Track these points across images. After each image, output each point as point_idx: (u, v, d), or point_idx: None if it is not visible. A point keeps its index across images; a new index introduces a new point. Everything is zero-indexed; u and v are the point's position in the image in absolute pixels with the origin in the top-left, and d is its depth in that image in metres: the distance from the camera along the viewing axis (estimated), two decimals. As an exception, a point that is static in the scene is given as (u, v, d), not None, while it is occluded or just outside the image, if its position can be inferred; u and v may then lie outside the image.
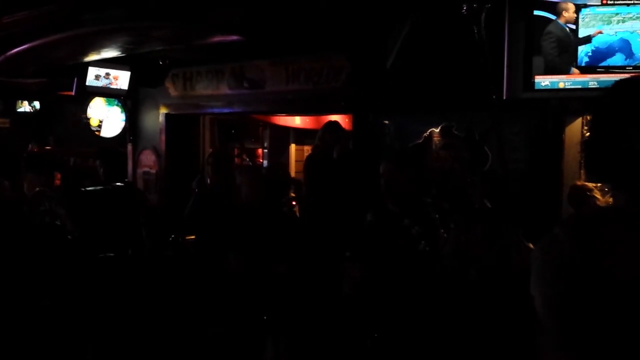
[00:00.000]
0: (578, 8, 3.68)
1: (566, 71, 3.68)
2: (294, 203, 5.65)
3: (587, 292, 1.05)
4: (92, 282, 4.10)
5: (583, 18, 3.65)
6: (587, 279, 1.05)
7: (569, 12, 3.69)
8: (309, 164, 5.30)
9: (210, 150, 7.44)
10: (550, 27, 3.67)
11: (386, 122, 5.12)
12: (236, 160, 8.36)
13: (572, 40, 3.69)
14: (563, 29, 3.69)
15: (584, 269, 1.05)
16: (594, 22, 3.64)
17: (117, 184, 4.82)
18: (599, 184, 3.67)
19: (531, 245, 2.56)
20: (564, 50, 3.67)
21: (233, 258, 3.96)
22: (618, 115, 1.14)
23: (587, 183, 3.78)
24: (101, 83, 6.45)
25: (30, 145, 8.11)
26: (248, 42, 4.90)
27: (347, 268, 3.12)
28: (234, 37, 4.78)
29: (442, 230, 3.06)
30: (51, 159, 6.13)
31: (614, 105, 1.17)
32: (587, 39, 3.67)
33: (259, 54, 5.79)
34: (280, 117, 8.05)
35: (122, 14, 4.41)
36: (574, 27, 3.69)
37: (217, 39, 4.92)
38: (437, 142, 4.89)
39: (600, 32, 3.65)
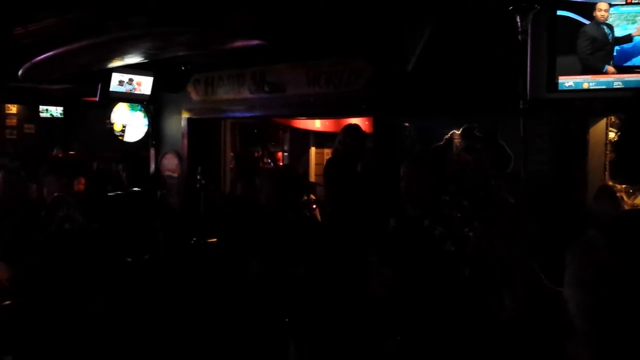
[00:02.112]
0: (603, 7, 3.64)
1: (599, 70, 3.64)
2: (314, 206, 5.66)
3: (625, 299, 1.02)
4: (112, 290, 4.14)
5: (608, 17, 3.61)
6: (626, 285, 1.03)
7: (601, 11, 3.64)
8: (329, 167, 5.30)
9: (232, 154, 7.51)
10: (586, 26, 3.62)
11: (406, 124, 5.11)
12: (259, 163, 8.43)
13: (607, 39, 3.64)
14: (595, 28, 3.64)
15: (622, 275, 1.03)
16: (618, 22, 3.60)
17: (135, 188, 4.88)
18: (624, 186, 3.62)
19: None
20: (596, 49, 3.62)
21: (254, 262, 3.97)
22: None
23: (615, 184, 3.72)
24: (124, 89, 6.54)
25: (55, 150, 8.24)
26: (269, 47, 4.92)
27: (375, 272, 3.11)
28: (255, 42, 4.82)
29: (467, 229, 3.04)
30: (73, 163, 6.23)
31: None
32: (628, 38, 3.62)
33: (280, 58, 5.82)
34: (300, 121, 8.07)
35: (145, 21, 4.47)
36: (603, 25, 3.65)
37: (238, 43, 4.95)
38: (459, 144, 4.87)
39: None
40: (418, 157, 4.81)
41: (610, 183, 3.85)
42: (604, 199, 3.74)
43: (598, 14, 3.63)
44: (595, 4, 3.63)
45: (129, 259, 4.45)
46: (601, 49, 3.65)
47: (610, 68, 3.64)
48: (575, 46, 3.67)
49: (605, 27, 3.64)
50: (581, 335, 1.09)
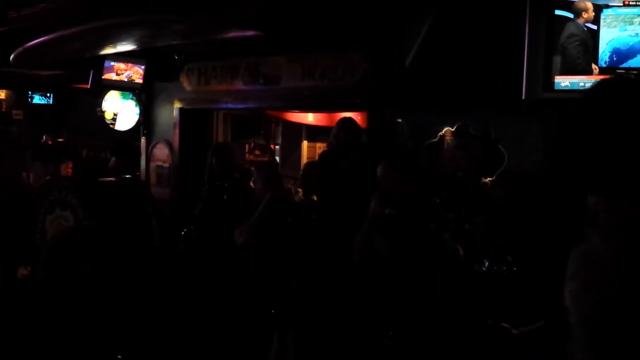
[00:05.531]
0: (599, 9, 3.65)
1: (589, 72, 3.66)
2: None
3: (633, 316, 0.97)
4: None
5: (605, 19, 3.62)
6: (634, 302, 0.97)
7: (588, 12, 3.67)
8: (322, 162, 5.28)
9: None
10: (573, 28, 3.65)
11: (399, 120, 5.09)
12: (249, 156, 8.40)
13: (592, 40, 3.67)
14: (584, 30, 3.67)
15: (630, 290, 0.98)
16: (615, 23, 3.62)
17: (126, 176, 4.85)
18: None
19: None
20: (586, 51, 3.65)
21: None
22: (623, 122, 1.02)
23: None
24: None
25: (44, 137, 8.15)
26: (264, 38, 4.89)
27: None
28: (251, 32, 4.79)
29: (467, 225, 3.05)
30: (61, 150, 6.17)
31: (612, 112, 1.04)
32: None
33: (275, 50, 5.79)
34: (293, 114, 8.04)
35: (140, 7, 4.42)
36: (593, 26, 3.67)
37: (234, 33, 4.92)
38: (452, 141, 4.87)
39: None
40: (396, 157, 4.78)
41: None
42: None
43: (585, 15, 3.66)
44: (582, 3, 3.66)
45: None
46: (588, 51, 3.68)
47: (595, 68, 3.67)
48: (567, 47, 3.70)
49: (591, 27, 3.67)
50: (579, 343, 1.06)
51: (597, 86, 1.12)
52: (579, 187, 1.08)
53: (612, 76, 1.17)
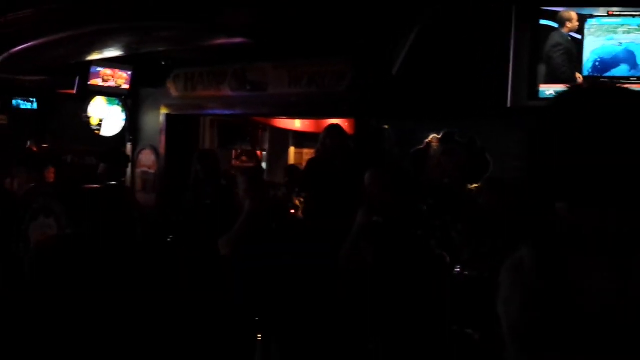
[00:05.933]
0: (584, 19, 3.71)
1: (573, 80, 3.71)
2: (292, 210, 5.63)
3: (551, 324, 1.00)
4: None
5: (589, 28, 3.68)
6: (552, 311, 1.00)
7: (573, 22, 3.73)
8: (310, 168, 5.29)
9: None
10: (558, 38, 3.70)
11: (386, 126, 5.12)
12: (236, 162, 8.38)
13: (577, 49, 3.72)
14: (568, 39, 3.72)
15: (550, 302, 1.00)
16: (599, 33, 3.67)
17: (111, 183, 4.82)
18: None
19: None
20: (570, 60, 3.70)
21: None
22: (590, 128, 1.03)
23: None
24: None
25: (28, 143, 8.06)
26: (252, 45, 4.90)
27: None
28: (239, 39, 4.79)
29: (454, 233, 3.06)
30: (45, 156, 6.12)
31: (580, 118, 1.05)
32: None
33: (262, 57, 5.80)
34: (280, 120, 8.06)
35: (127, 14, 4.41)
36: (577, 36, 3.73)
37: (221, 40, 4.92)
38: (439, 148, 4.91)
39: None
40: (383, 165, 4.81)
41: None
42: None
43: (569, 24, 3.71)
44: (566, 13, 3.72)
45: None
46: (572, 60, 3.73)
47: (579, 77, 3.73)
48: (551, 56, 3.75)
49: (575, 37, 3.72)
50: (510, 352, 1.08)
51: (565, 93, 1.14)
52: (548, 194, 1.10)
53: (580, 83, 1.20)
